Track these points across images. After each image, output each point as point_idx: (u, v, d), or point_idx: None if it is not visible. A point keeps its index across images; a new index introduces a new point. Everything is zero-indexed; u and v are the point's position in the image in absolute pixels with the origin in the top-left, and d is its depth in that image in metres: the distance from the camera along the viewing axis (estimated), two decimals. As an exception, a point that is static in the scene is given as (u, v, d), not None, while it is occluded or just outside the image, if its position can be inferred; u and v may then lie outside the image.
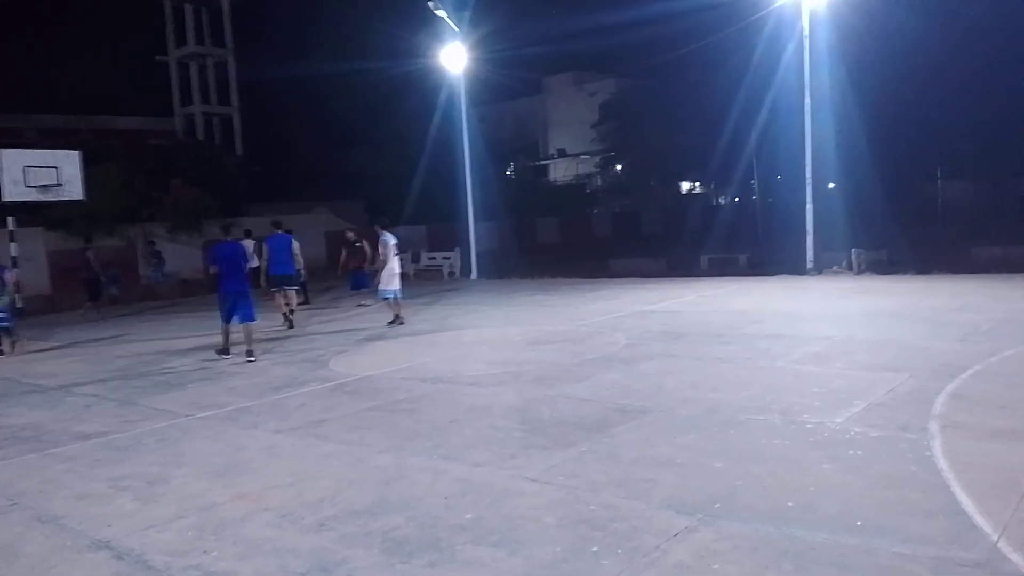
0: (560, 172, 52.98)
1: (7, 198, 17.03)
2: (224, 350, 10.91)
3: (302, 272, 15.60)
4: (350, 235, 18.03)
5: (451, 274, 23.99)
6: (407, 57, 30.30)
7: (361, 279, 16.82)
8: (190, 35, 43.09)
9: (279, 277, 14.06)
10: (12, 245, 17.20)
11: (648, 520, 4.29)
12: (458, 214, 24.93)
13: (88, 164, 19.02)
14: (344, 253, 17.91)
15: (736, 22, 21.96)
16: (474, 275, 22.96)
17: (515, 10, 33.28)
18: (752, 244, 24.16)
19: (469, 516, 4.51)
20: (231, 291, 10.73)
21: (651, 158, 42.99)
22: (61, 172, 17.62)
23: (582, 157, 50.85)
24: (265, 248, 14.17)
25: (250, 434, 6.74)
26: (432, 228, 31.50)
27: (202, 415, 7.56)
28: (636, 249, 26.56)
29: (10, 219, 17.55)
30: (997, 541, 3.76)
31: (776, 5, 18.34)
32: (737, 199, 42.51)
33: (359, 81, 39.05)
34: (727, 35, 23.83)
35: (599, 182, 49.10)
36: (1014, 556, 3.62)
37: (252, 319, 10.91)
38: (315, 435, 6.55)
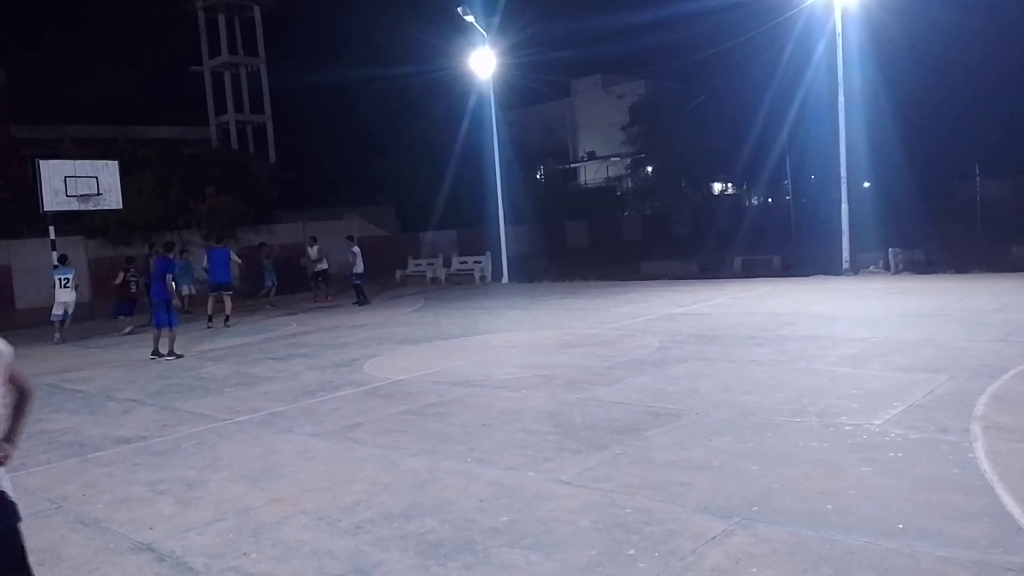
0: (590, 175, 52.84)
1: (48, 208, 17.48)
2: (157, 352, 12.24)
3: (237, 279, 18.82)
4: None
5: (482, 278, 24.04)
6: (436, 63, 30.54)
7: (125, 307, 17.22)
8: (223, 45, 43.72)
9: (217, 284, 17.16)
10: (54, 254, 17.61)
11: (684, 524, 4.26)
12: (488, 218, 24.99)
13: (125, 173, 19.42)
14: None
15: (766, 21, 21.78)
16: (505, 279, 23.00)
17: (543, 14, 33.31)
18: (785, 245, 23.87)
19: (504, 519, 4.52)
20: (161, 299, 12.20)
21: (681, 159, 42.73)
22: (100, 182, 18.04)
23: (612, 160, 50.68)
24: (206, 259, 17.77)
25: (285, 438, 6.81)
26: (462, 232, 31.58)
27: (238, 419, 7.66)
28: (667, 251, 26.42)
29: (51, 228, 17.99)
30: (1044, 545, 3.67)
31: (807, 3, 18.14)
32: (770, 200, 42.06)
33: (388, 87, 39.32)
34: (757, 34, 23.63)
35: (629, 184, 48.88)
36: (1062, 561, 3.53)
37: (176, 324, 12.40)
38: (349, 439, 6.60)
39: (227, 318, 16.83)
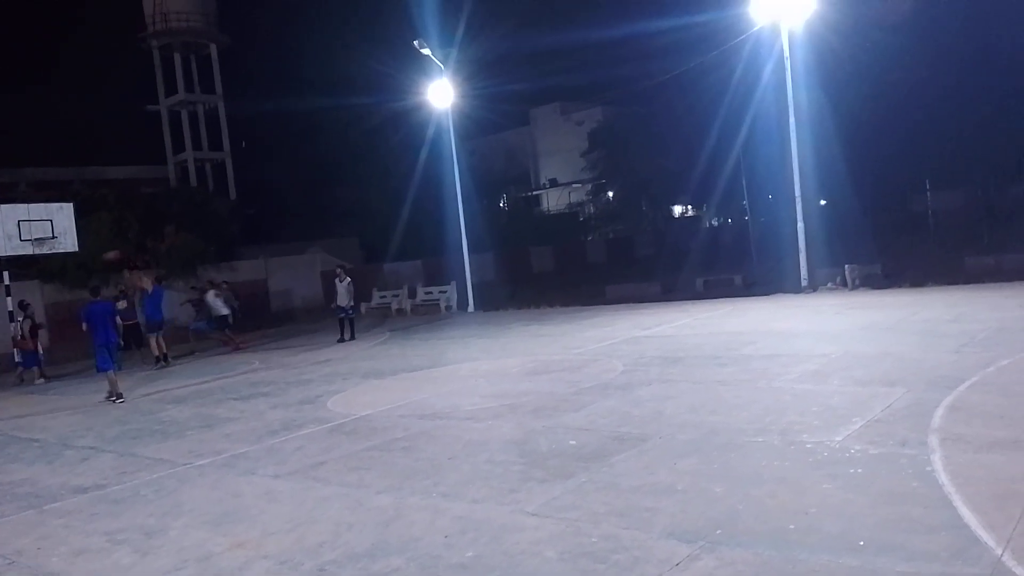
0: (552, 201, 53.29)
1: (1, 253, 17.10)
2: (116, 394, 12.23)
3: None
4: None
5: (448, 308, 23.98)
6: (394, 93, 30.66)
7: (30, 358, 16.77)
8: (180, 83, 43.51)
9: (155, 323, 16.95)
10: (8, 300, 17.25)
11: (650, 550, 4.26)
12: (452, 247, 25.01)
13: (81, 215, 19.13)
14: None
15: (717, 45, 22.28)
16: (471, 307, 22.96)
17: (500, 44, 33.71)
18: (746, 264, 24.24)
19: (470, 554, 4.47)
20: (106, 343, 12.33)
21: (641, 183, 43.32)
22: (55, 224, 17.70)
23: (573, 186, 51.19)
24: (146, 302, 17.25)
25: (248, 480, 6.69)
26: (427, 262, 31.56)
27: (199, 463, 7.50)
28: (631, 274, 26.63)
29: (5, 274, 17.60)
30: (1001, 555, 3.73)
31: (756, 28, 18.59)
32: (729, 220, 42.69)
33: (348, 121, 39.43)
34: (709, 58, 24.14)
35: (591, 209, 49.37)
36: (1018, 570, 3.59)
37: (119, 367, 12.90)
38: (313, 478, 6.50)
39: (161, 357, 16.63)
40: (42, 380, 16.21)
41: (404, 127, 33.60)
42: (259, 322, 23.09)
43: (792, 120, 17.75)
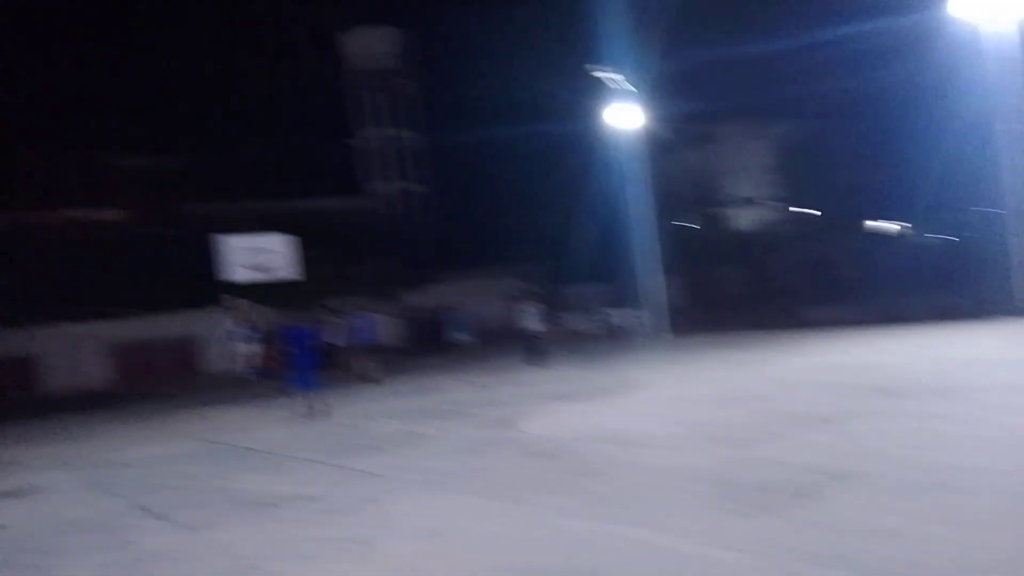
0: (742, 220, 51.45)
1: (229, 279, 19.21)
2: (314, 412, 13.08)
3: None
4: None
5: (634, 331, 23.81)
6: (581, 117, 31.06)
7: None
8: (381, 119, 46.84)
9: (363, 345, 17.92)
10: (229, 322, 19.40)
11: (869, 597, 3.98)
12: (638, 270, 24.84)
13: (294, 244, 21.06)
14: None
15: (918, 51, 20.64)
16: (657, 331, 22.65)
17: (686, 63, 33.22)
18: (964, 284, 22.06)
19: (671, 586, 4.40)
20: (306, 364, 13.30)
21: (843, 199, 40.72)
22: (274, 253, 19.64)
23: (766, 203, 49.14)
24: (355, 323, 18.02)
25: (451, 497, 6.99)
26: (614, 285, 31.53)
27: (406, 478, 7.95)
28: (831, 296, 25.09)
29: (233, 299, 19.73)
30: None
31: (964, 30, 17.01)
32: (946, 237, 39.06)
33: (534, 146, 40.46)
34: (918, 64, 22.40)
35: (786, 228, 47.09)
36: None
37: (317, 386, 13.41)
38: (509, 498, 6.68)
39: (371, 378, 17.86)
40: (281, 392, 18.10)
41: (588, 149, 33.95)
42: (452, 346, 24.14)
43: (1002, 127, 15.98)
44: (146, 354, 22.69)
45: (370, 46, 45.94)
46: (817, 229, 44.71)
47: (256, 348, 18.92)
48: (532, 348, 17.96)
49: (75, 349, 22.19)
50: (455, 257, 36.88)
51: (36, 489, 9.95)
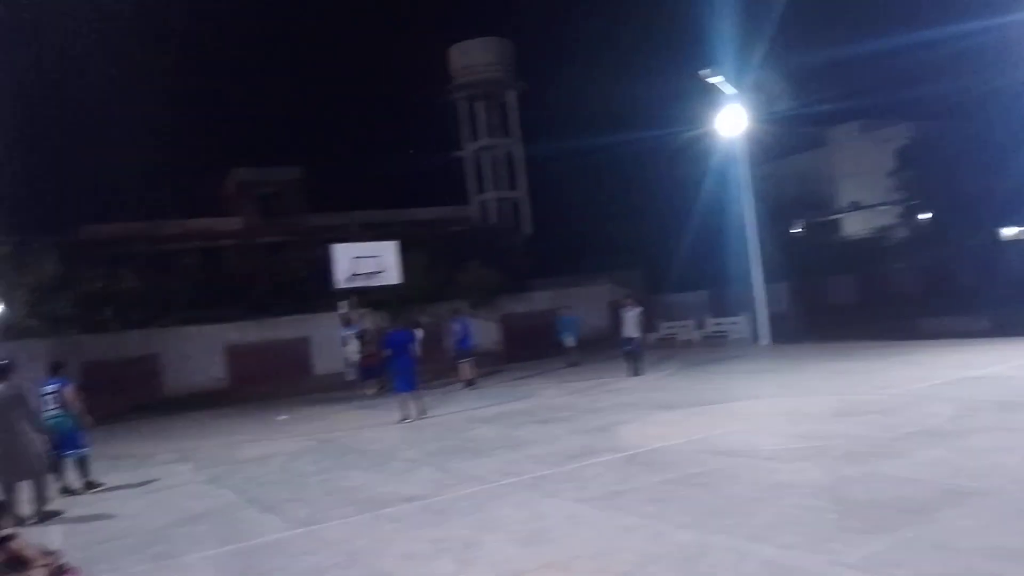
0: (853, 226, 49.27)
1: (340, 285, 19.89)
2: (407, 416, 13.50)
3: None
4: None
5: (739, 340, 23.17)
6: (680, 123, 30.59)
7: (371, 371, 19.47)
8: (482, 129, 47.48)
9: (464, 351, 19.09)
10: (348, 315, 20.27)
11: (1002, 624, 3.71)
12: (742, 277, 24.14)
13: (400, 252, 21.56)
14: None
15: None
16: (763, 340, 21.94)
17: (794, 65, 32.21)
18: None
19: (783, 602, 4.24)
20: (405, 367, 13.68)
21: (963, 204, 38.39)
22: (381, 260, 20.21)
23: (879, 208, 46.90)
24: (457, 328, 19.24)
25: (552, 502, 6.98)
26: (714, 293, 30.81)
27: (507, 481, 7.99)
28: (950, 306, 23.65)
29: (344, 303, 20.45)
30: None
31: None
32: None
33: (632, 152, 40.09)
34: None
35: (901, 234, 44.80)
36: None
37: (415, 389, 13.81)
38: (613, 506, 6.60)
39: (470, 382, 18.68)
40: (372, 392, 19.04)
41: (690, 156, 33.34)
42: (550, 350, 24.07)
43: None
44: (260, 356, 23.70)
45: (473, 57, 46.66)
46: (934, 235, 42.36)
47: (362, 351, 19.78)
48: (632, 356, 17.63)
49: (194, 351, 23.42)
50: (555, 264, 36.93)
51: (161, 482, 10.58)
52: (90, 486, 10.28)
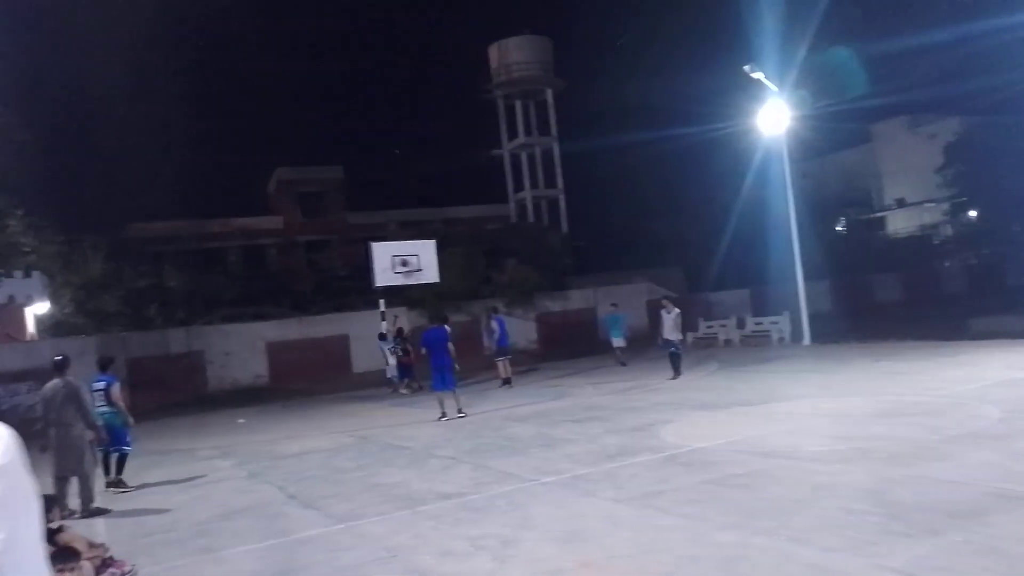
0: (899, 224, 48.24)
1: (378, 283, 20.06)
2: (444, 413, 13.48)
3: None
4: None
5: (780, 339, 22.84)
6: (720, 120, 30.25)
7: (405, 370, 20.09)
8: (520, 128, 47.43)
9: (502, 349, 18.96)
10: (383, 324, 20.25)
11: (1055, 634, 3.60)
12: (783, 276, 23.79)
13: (438, 251, 21.69)
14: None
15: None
16: (806, 340, 21.59)
17: (836, 62, 31.57)
18: None
19: (825, 607, 4.16)
20: (441, 365, 13.63)
21: (1013, 201, 37.34)
22: (420, 259, 20.34)
23: (925, 206, 45.85)
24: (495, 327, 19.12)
25: (589, 502, 6.95)
26: (756, 291, 30.43)
27: (544, 480, 7.98)
28: (1000, 306, 23.00)
29: (381, 301, 20.59)
30: None
31: None
32: None
33: (670, 150, 39.76)
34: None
35: (948, 231, 43.76)
36: None
37: (454, 386, 13.82)
38: (652, 506, 6.55)
39: (506, 380, 18.50)
40: (407, 391, 19.38)
41: (730, 153, 32.95)
42: (594, 348, 24.04)
43: None
44: (300, 353, 24.03)
45: (512, 56, 46.63)
46: (982, 233, 41.28)
47: (400, 349, 20.01)
48: (671, 355, 17.33)
49: (236, 347, 23.82)
50: (593, 262, 36.81)
51: (203, 477, 10.78)
52: (116, 484, 10.24)
